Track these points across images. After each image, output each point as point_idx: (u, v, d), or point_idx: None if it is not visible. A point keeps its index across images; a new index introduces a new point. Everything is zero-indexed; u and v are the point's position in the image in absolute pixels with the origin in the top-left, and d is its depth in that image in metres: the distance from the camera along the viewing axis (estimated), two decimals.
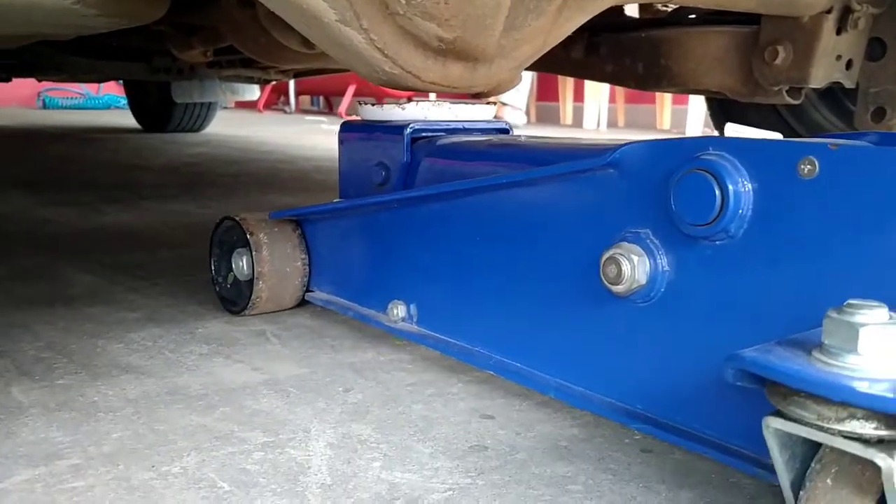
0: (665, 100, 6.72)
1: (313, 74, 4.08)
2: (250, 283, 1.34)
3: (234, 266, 1.37)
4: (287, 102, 8.81)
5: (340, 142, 1.43)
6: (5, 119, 6.41)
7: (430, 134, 1.33)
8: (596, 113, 7.15)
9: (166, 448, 0.88)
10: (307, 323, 1.35)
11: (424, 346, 1.20)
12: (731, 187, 0.85)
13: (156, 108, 5.22)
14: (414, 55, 1.29)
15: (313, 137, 5.23)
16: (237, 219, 1.37)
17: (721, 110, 2.39)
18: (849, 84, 1.73)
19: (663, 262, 0.92)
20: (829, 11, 1.63)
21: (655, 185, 0.92)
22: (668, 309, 0.92)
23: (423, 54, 1.29)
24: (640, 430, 0.93)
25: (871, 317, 0.62)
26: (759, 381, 0.66)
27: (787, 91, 1.74)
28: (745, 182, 0.85)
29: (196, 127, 5.32)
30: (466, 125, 1.39)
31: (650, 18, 1.82)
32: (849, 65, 1.71)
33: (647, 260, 0.92)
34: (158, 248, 1.89)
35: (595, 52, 2.10)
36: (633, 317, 0.95)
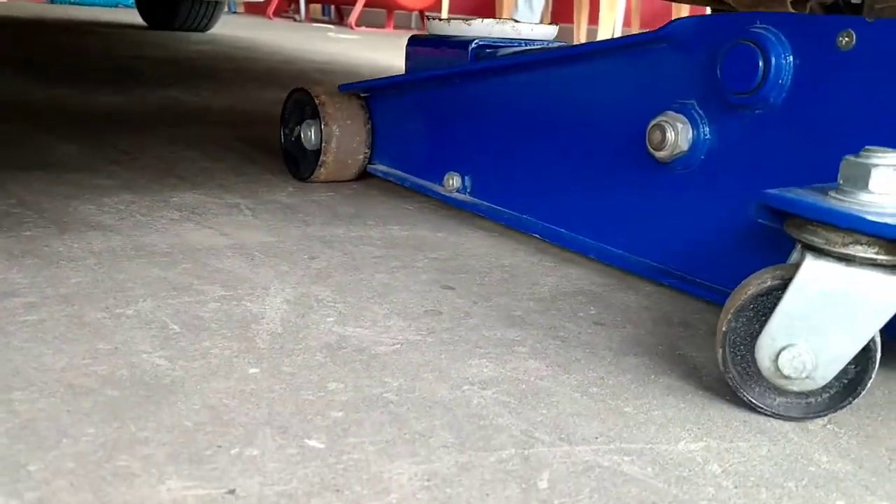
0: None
1: None
2: (317, 153, 1.42)
3: (302, 135, 1.44)
4: (297, 10, 8.66)
5: (407, 54, 1.47)
6: (13, 11, 6.32)
7: (492, 50, 1.36)
8: (610, 35, 7.01)
9: (123, 294, 0.89)
10: (284, 201, 1.34)
11: (476, 213, 1.28)
12: (773, 59, 0.88)
13: (161, 5, 5.13)
14: None
15: (319, 43, 5.15)
16: (310, 91, 1.44)
17: None
18: None
19: (706, 130, 0.97)
20: None
21: (704, 58, 0.95)
22: (707, 175, 0.97)
23: None
24: (672, 286, 1.01)
25: (883, 159, 0.66)
26: (780, 220, 0.71)
27: (791, 2, 1.70)
28: (787, 54, 0.87)
29: (201, 27, 5.24)
30: (527, 43, 1.41)
31: None
32: None
33: (690, 128, 0.97)
34: (145, 127, 1.88)
35: None
36: (674, 183, 1.00)
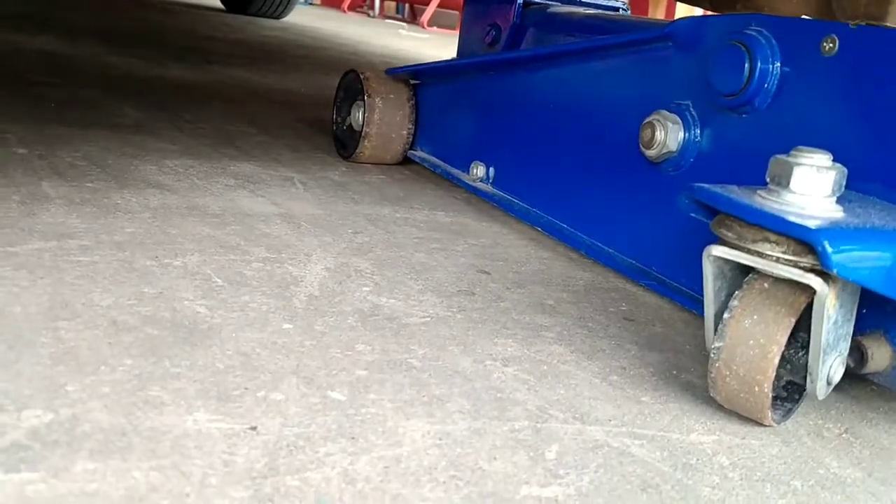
0: None
1: None
2: (360, 133, 1.46)
3: (351, 115, 1.49)
4: (372, 6, 8.76)
5: (464, 4, 1.52)
6: None
7: (542, 2, 1.39)
8: None
9: (173, 246, 0.93)
10: (335, 178, 1.38)
11: (494, 204, 1.29)
12: (759, 62, 0.86)
13: None
14: None
15: (389, 39, 5.21)
16: (361, 74, 1.48)
17: None
18: None
19: (696, 133, 0.95)
20: None
21: (701, 58, 0.95)
22: (695, 179, 0.96)
23: None
24: (651, 288, 1.00)
25: (808, 159, 0.65)
26: (711, 215, 0.70)
27: None
28: (774, 58, 0.86)
29: (276, 14, 5.34)
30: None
31: None
32: None
33: (681, 129, 0.96)
34: (211, 101, 1.94)
35: None
36: (664, 185, 1.00)
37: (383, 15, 8.83)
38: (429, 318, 0.84)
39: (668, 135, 0.96)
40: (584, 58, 1.13)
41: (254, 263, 0.92)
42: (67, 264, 0.83)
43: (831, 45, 0.81)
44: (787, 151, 0.85)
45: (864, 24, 0.79)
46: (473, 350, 0.78)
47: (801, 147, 0.67)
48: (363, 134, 1.46)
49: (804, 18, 0.87)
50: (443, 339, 0.79)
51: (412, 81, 1.50)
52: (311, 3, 8.79)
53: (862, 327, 0.72)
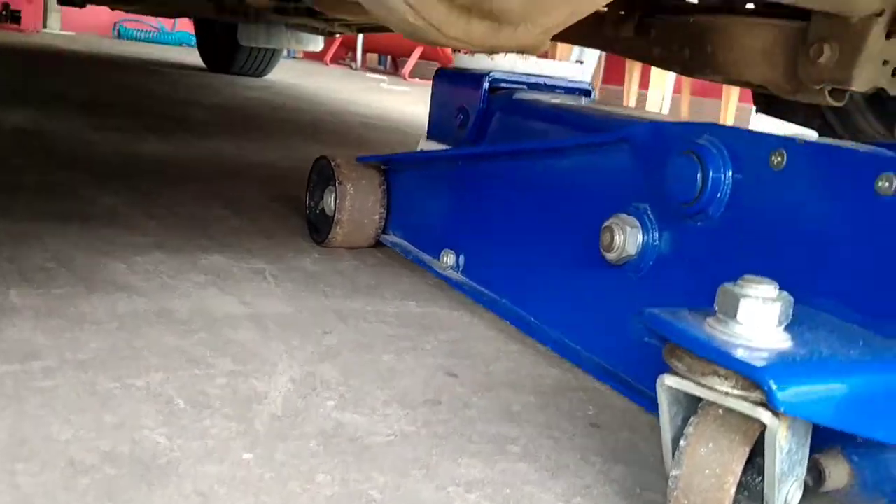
0: (732, 95, 6.59)
1: (377, 31, 4.11)
2: (332, 219, 1.47)
3: (324, 200, 1.50)
4: (353, 58, 8.86)
5: (433, 85, 1.54)
6: (80, 45, 6.57)
7: (510, 86, 1.41)
8: (659, 101, 7.04)
9: (137, 363, 0.93)
10: (308, 268, 1.38)
11: (463, 293, 1.29)
12: (711, 173, 0.88)
13: (221, 49, 5.29)
14: (438, 8, 1.32)
15: (370, 95, 5.26)
16: (332, 161, 1.49)
17: (767, 105, 2.36)
18: (893, 91, 1.70)
19: (655, 236, 0.96)
20: (879, 14, 1.60)
21: (656, 164, 0.96)
22: (655, 282, 0.97)
23: (447, 8, 1.32)
24: (616, 390, 1.00)
25: (756, 291, 0.66)
26: (663, 339, 0.71)
27: (829, 92, 1.71)
28: (727, 169, 0.88)
29: (258, 72, 5.39)
30: (549, 81, 1.45)
31: (700, 4, 1.79)
32: (895, 72, 1.68)
33: (639, 233, 0.97)
34: (187, 181, 1.94)
35: (645, 33, 2.09)
36: (625, 286, 1.00)
37: (365, 67, 8.92)
38: (393, 437, 0.84)
39: (626, 239, 0.97)
40: (544, 156, 1.15)
41: (218, 379, 0.92)
42: (29, 392, 0.83)
43: (779, 158, 0.82)
44: (743, 260, 0.87)
45: (806, 140, 0.80)
46: (436, 474, 0.78)
47: (748, 277, 0.68)
48: (335, 220, 1.46)
49: (754, 130, 0.88)
50: (406, 462, 0.79)
51: (383, 166, 1.52)
52: (293, 57, 8.88)
53: (819, 444, 0.72)
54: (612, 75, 7.71)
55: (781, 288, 0.79)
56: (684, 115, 7.17)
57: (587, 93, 1.51)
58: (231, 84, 4.70)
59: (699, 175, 0.88)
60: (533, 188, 1.18)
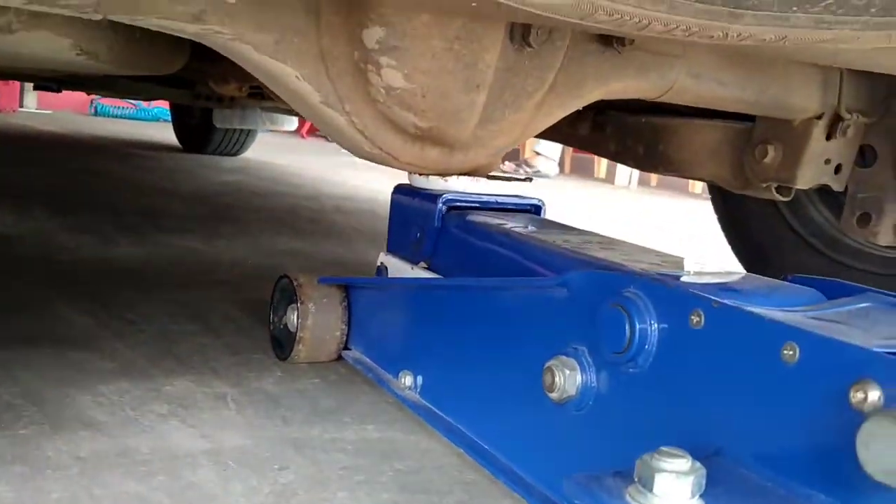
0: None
1: None
2: (295, 336, 1.52)
3: (287, 316, 1.55)
4: None
5: (392, 202, 1.61)
6: (55, 124, 6.65)
7: (463, 204, 1.48)
8: (629, 170, 7.19)
9: None
10: (269, 390, 1.42)
11: (420, 417, 1.30)
12: (638, 325, 0.93)
13: (197, 130, 5.38)
14: (393, 138, 1.39)
15: (344, 172, 5.34)
16: (295, 283, 1.55)
17: (721, 196, 2.45)
18: (837, 187, 1.78)
19: (593, 378, 1.01)
20: (819, 117, 1.69)
21: (591, 310, 1.02)
22: (595, 421, 1.02)
23: (401, 138, 1.39)
24: None
25: (670, 464, 0.71)
26: None
27: (776, 188, 1.80)
28: (653, 321, 0.93)
29: (234, 151, 5.48)
30: (500, 200, 1.53)
31: (652, 103, 1.88)
32: (838, 169, 1.76)
33: (578, 374, 1.02)
34: (157, 289, 1.99)
35: (601, 129, 2.18)
36: (569, 423, 1.05)
37: None
38: None
39: (566, 381, 1.02)
40: (492, 291, 1.21)
41: None
42: None
43: (698, 318, 0.88)
44: (671, 411, 0.92)
45: (722, 304, 0.86)
46: None
47: (663, 449, 0.73)
48: (298, 338, 1.51)
49: (676, 286, 0.94)
50: None
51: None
52: (269, 131, 8.99)
53: None
54: (578, 166, 7.85)
55: (702, 441, 0.85)
56: (654, 183, 7.33)
57: (537, 209, 1.57)
58: (207, 166, 4.78)
59: (627, 327, 0.94)
60: (483, 320, 1.23)
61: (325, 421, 1.32)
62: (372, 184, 4.84)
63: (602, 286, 1.00)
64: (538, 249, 1.25)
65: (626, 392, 0.97)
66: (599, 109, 2.14)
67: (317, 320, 1.52)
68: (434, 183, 1.51)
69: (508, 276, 1.28)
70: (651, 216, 5.29)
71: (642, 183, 7.34)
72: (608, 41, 1.37)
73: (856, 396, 0.72)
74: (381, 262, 1.59)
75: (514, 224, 1.41)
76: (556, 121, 1.49)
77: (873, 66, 1.44)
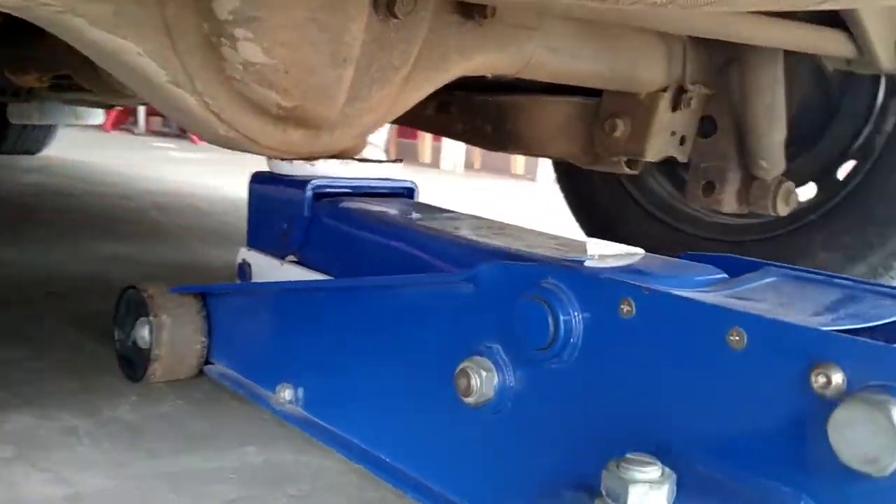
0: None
1: None
2: (148, 353, 1.34)
3: (136, 332, 1.35)
4: (135, 123, 8.46)
5: (250, 192, 1.44)
6: None
7: (333, 190, 1.34)
8: (454, 154, 7.25)
9: None
10: (126, 418, 1.26)
11: (307, 433, 1.17)
12: (562, 318, 0.87)
13: None
14: (252, 120, 1.27)
15: (159, 167, 5.02)
16: (144, 294, 1.36)
17: (566, 172, 2.47)
18: (682, 158, 1.82)
19: (511, 378, 0.94)
20: (664, 90, 1.71)
21: (505, 305, 0.93)
22: (515, 422, 0.94)
23: (261, 120, 1.27)
24: None
25: (643, 474, 0.66)
26: None
27: (625, 162, 1.81)
28: (577, 313, 0.87)
29: (35, 149, 5.01)
30: (372, 184, 1.40)
31: (499, 81, 1.83)
32: (682, 140, 1.80)
33: (495, 375, 0.94)
34: None
35: (446, 110, 2.12)
36: (486, 426, 0.96)
37: (150, 130, 8.54)
38: None
39: (483, 383, 0.94)
40: (385, 291, 1.11)
41: None
42: None
43: (628, 308, 0.83)
44: (598, 405, 0.87)
45: (653, 290, 0.81)
46: None
47: (630, 457, 0.67)
48: (152, 356, 1.34)
49: (605, 275, 0.89)
50: None
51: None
52: (73, 125, 8.35)
53: None
54: (406, 130, 7.84)
55: (642, 437, 0.80)
56: (478, 166, 7.43)
57: (410, 192, 1.48)
58: (4, 167, 4.33)
59: (550, 320, 0.87)
60: (377, 322, 1.12)
61: (198, 448, 1.17)
62: (191, 178, 4.57)
63: (517, 279, 0.93)
64: (431, 239, 1.15)
65: (552, 389, 0.91)
66: (446, 89, 2.08)
67: (173, 334, 1.35)
68: (299, 168, 1.38)
69: (396, 268, 1.18)
70: (480, 195, 5.33)
71: (468, 167, 7.41)
72: (469, 13, 1.32)
73: (818, 381, 0.69)
74: (243, 259, 1.43)
75: (394, 210, 1.31)
76: (421, 97, 1.42)
77: (721, 34, 1.47)
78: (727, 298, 0.89)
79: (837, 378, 0.68)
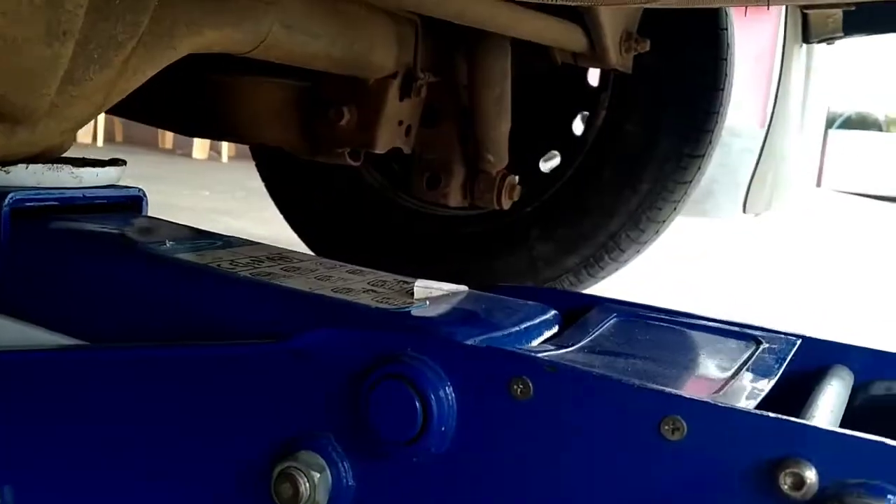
0: None
1: None
2: None
3: None
4: None
5: None
6: None
7: (40, 205, 0.99)
8: (91, 124, 6.52)
9: None
10: None
11: None
12: (433, 402, 0.69)
13: None
14: None
15: None
16: None
17: (268, 161, 2.26)
18: (407, 150, 1.72)
19: (348, 475, 0.73)
20: (394, 76, 1.57)
21: (343, 383, 0.73)
22: None
23: None
24: None
25: None
26: None
27: (348, 153, 1.64)
28: (450, 396, 0.70)
29: None
30: (88, 193, 1.06)
31: (202, 61, 1.54)
32: (408, 131, 1.68)
33: (329, 474, 0.72)
34: None
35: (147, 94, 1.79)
36: None
37: None
38: None
39: (316, 486, 0.72)
40: (150, 363, 0.82)
41: None
42: None
43: (523, 388, 0.67)
44: (477, 498, 0.70)
45: (560, 367, 0.67)
46: None
47: None
48: None
49: (484, 348, 0.71)
50: None
51: None
52: None
53: None
54: None
55: None
56: (119, 138, 6.77)
57: (138, 200, 1.15)
58: None
59: (417, 404, 0.68)
60: (135, 405, 0.83)
61: None
62: None
63: (365, 348, 0.72)
64: (204, 277, 0.88)
65: (407, 488, 0.72)
66: None
67: None
68: None
69: (146, 314, 0.88)
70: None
71: (108, 140, 6.72)
72: None
73: (786, 482, 0.59)
74: None
75: (129, 229, 1.01)
76: (143, 81, 1.15)
77: (456, 16, 1.37)
78: (590, 355, 0.78)
79: (810, 475, 0.58)
